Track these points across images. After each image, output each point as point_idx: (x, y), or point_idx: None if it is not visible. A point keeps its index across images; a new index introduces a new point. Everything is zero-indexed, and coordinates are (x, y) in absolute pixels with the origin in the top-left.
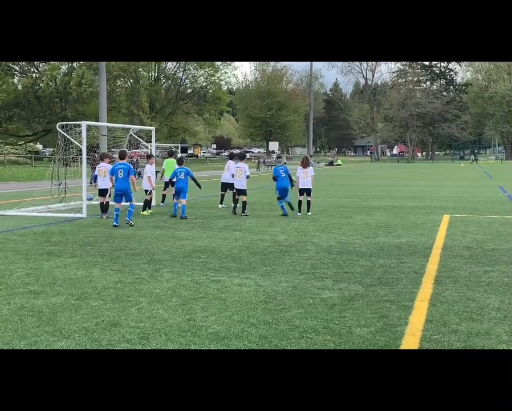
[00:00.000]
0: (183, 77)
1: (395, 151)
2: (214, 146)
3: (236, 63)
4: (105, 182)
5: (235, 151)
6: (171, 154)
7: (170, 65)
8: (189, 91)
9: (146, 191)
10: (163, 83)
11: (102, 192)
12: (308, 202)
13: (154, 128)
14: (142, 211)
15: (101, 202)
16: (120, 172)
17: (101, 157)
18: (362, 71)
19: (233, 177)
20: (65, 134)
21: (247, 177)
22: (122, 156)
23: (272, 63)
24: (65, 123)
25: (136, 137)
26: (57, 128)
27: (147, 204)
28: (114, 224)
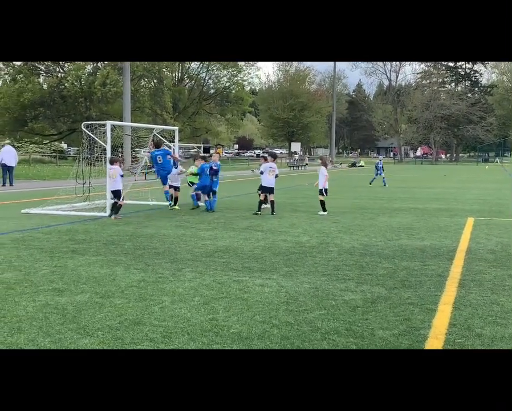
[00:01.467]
0: (207, 78)
1: (418, 153)
2: (236, 146)
3: (260, 64)
4: (116, 184)
5: (267, 152)
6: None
7: (194, 65)
8: (212, 91)
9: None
10: (187, 83)
11: (115, 193)
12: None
13: (177, 128)
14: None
15: (114, 202)
16: (159, 158)
17: (110, 162)
18: (386, 72)
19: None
20: (90, 133)
21: (276, 176)
22: (157, 144)
23: (295, 64)
24: (90, 122)
25: (159, 137)
26: (82, 127)
27: (173, 200)
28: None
